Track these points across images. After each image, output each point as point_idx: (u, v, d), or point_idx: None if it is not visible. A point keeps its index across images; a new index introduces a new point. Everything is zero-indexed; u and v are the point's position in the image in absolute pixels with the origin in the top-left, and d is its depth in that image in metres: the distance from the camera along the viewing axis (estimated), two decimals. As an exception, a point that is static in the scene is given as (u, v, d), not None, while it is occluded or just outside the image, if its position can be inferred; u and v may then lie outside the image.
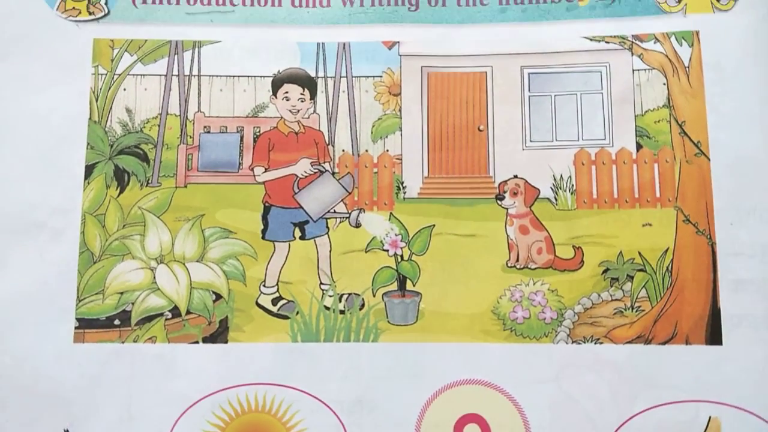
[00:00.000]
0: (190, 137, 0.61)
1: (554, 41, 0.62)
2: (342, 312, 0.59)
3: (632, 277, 0.59)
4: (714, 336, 0.57)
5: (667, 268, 0.59)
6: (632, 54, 0.62)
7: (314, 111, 0.62)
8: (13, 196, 0.59)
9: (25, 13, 0.62)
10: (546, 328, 0.58)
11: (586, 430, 0.57)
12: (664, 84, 0.61)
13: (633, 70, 0.61)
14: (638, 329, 0.58)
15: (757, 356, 0.57)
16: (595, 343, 0.58)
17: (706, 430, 0.56)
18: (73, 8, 0.62)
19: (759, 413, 0.56)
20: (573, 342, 0.58)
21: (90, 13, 0.62)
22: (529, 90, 0.62)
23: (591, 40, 0.62)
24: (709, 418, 0.56)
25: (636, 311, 0.58)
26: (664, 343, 0.58)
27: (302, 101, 0.62)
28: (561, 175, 0.61)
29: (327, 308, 0.59)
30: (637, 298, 0.58)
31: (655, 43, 0.62)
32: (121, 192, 0.60)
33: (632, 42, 0.62)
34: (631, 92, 0.61)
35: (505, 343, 0.58)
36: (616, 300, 0.59)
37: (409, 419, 0.57)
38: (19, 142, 0.60)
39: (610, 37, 0.62)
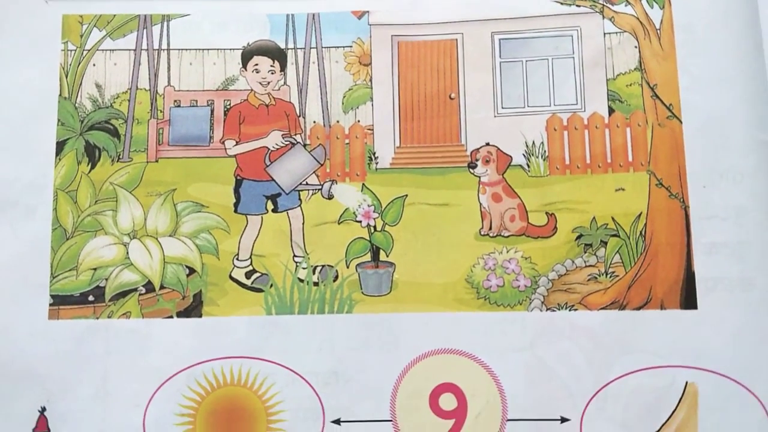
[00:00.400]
0: (161, 111, 0.61)
1: (525, 6, 0.62)
2: (316, 284, 0.59)
3: (606, 243, 0.58)
4: (689, 300, 0.57)
5: (641, 233, 0.58)
6: (603, 17, 0.61)
7: (284, 83, 0.62)
8: (-15, 173, 0.59)
9: (-8, -10, 0.62)
10: (520, 295, 0.58)
11: (563, 398, 0.56)
12: (636, 47, 0.61)
13: (604, 34, 0.61)
14: (612, 295, 0.58)
15: (732, 320, 0.56)
16: (570, 310, 0.58)
17: (683, 395, 0.56)
18: (41, -16, 0.62)
19: (735, 377, 0.56)
20: (547, 309, 0.58)
21: (58, -11, 0.62)
22: (500, 56, 0.61)
23: (562, 3, 0.61)
24: (686, 383, 0.56)
25: (610, 277, 0.58)
26: (638, 309, 0.57)
27: (272, 73, 0.62)
28: (533, 142, 0.60)
29: (301, 280, 0.59)
30: (611, 263, 0.58)
31: (626, 5, 0.61)
32: (92, 168, 0.60)
33: (603, 5, 0.61)
34: (602, 56, 0.61)
35: (479, 311, 0.58)
36: (590, 266, 0.58)
37: (384, 389, 0.57)
38: (-11, 119, 0.60)
39: (581, 0, 0.61)
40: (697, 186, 0.58)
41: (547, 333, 0.57)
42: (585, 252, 0.58)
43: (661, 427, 0.56)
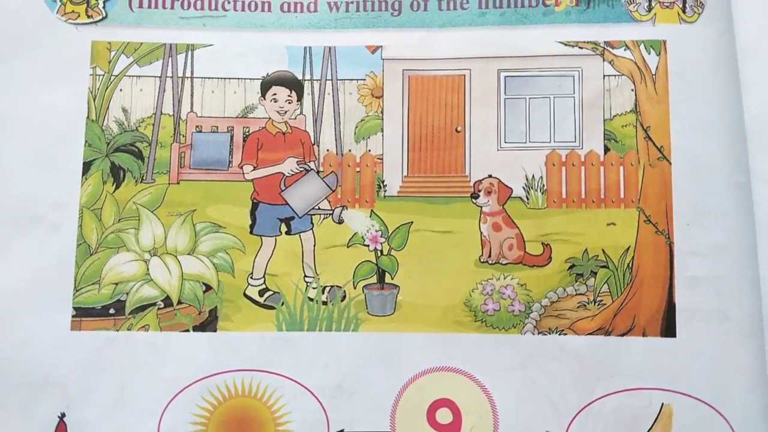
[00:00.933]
0: (183, 136, 0.63)
1: (530, 45, 0.64)
2: (324, 303, 0.61)
3: (596, 273, 0.62)
4: (669, 329, 0.60)
5: (628, 265, 0.61)
6: (603, 60, 0.64)
7: (301, 112, 0.64)
8: (14, 191, 0.61)
9: (26, 15, 0.63)
10: (514, 319, 0.61)
11: (549, 414, 0.60)
12: (632, 90, 0.63)
13: (604, 76, 0.63)
14: (599, 322, 0.61)
15: (707, 348, 0.60)
16: (559, 334, 0.61)
17: (658, 415, 0.59)
18: (73, 11, 0.63)
19: (708, 401, 0.59)
20: (539, 333, 0.61)
21: (89, 16, 0.64)
22: (505, 92, 0.64)
23: (565, 44, 0.64)
24: (662, 404, 0.59)
25: (598, 305, 0.61)
26: (622, 335, 0.61)
27: (289, 103, 0.64)
28: (533, 176, 0.63)
29: (310, 299, 0.62)
30: (599, 292, 0.61)
31: (625, 50, 0.64)
32: (116, 188, 0.62)
33: (604, 48, 0.64)
34: (601, 97, 0.63)
35: (476, 333, 0.61)
36: (580, 294, 0.62)
37: (385, 404, 0.60)
38: (20, 139, 0.62)
39: (584, 42, 0.64)
40: (682, 223, 0.61)
41: (537, 355, 0.60)
42: (576, 281, 0.61)
43: (637, 444, 0.59)
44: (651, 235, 0.62)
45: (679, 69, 0.63)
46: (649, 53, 0.63)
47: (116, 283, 0.61)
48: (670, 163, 0.62)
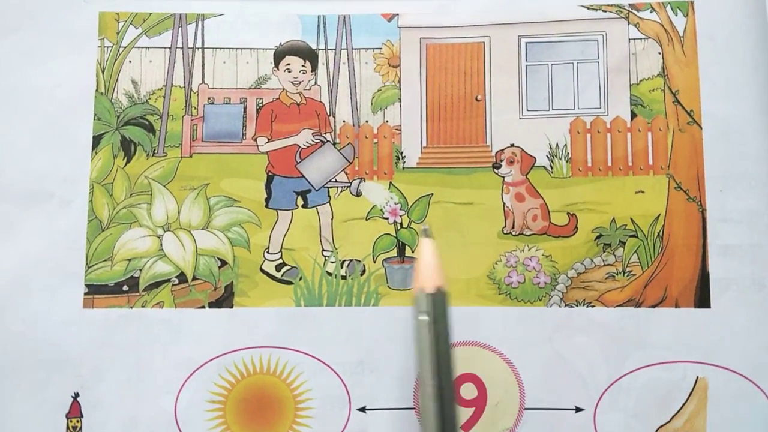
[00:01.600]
0: (195, 108, 0.62)
1: (552, 10, 0.62)
2: (344, 277, 0.60)
3: (624, 243, 0.59)
4: (703, 299, 0.58)
5: (659, 234, 0.59)
6: (628, 23, 0.61)
7: (315, 83, 0.62)
8: (23, 166, 0.60)
9: (31, -13, 0.62)
10: (540, 292, 0.59)
11: (578, 388, 0.58)
12: (659, 53, 0.61)
13: (629, 39, 0.61)
14: (629, 293, 0.59)
15: (743, 319, 0.58)
16: (588, 307, 0.59)
17: (693, 389, 0.57)
18: (79, -18, 0.62)
19: (744, 373, 0.57)
20: (566, 305, 0.59)
21: (95, -14, 0.62)
22: (526, 59, 0.62)
23: (588, 8, 0.62)
24: (697, 378, 0.57)
25: (627, 276, 0.59)
26: (654, 306, 0.59)
27: (304, 73, 0.62)
28: (557, 144, 0.61)
29: (329, 274, 0.60)
30: (628, 263, 0.59)
31: (651, 12, 0.61)
32: (127, 162, 0.61)
33: (629, 11, 0.62)
34: (626, 61, 0.61)
35: (500, 306, 0.59)
36: (608, 265, 0.59)
37: (408, 380, 0.58)
38: (28, 114, 0.60)
39: (607, 5, 0.62)
40: (714, 190, 0.59)
41: (564, 328, 0.59)
42: (604, 251, 0.59)
43: (671, 419, 0.57)
44: (682, 202, 0.59)
45: (709, 30, 0.61)
46: (676, 15, 0.61)
47: (129, 260, 0.59)
48: (701, 128, 0.60)
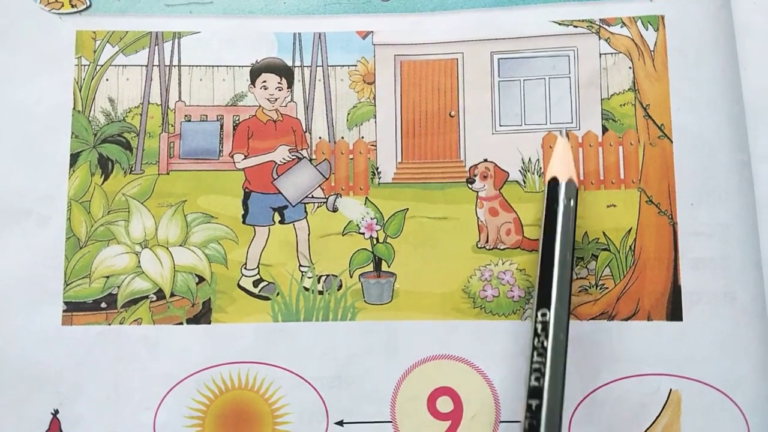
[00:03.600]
0: (172, 126, 0.60)
1: (523, 26, 0.61)
2: (321, 293, 0.58)
3: (597, 257, 0.58)
4: (675, 312, 0.57)
5: (630, 248, 0.58)
6: (599, 38, 0.60)
7: (291, 99, 0.61)
8: (1, 184, 0.58)
9: (8, 5, 0.60)
10: (514, 305, 0.58)
11: (553, 402, 0.57)
12: (630, 68, 0.60)
13: (600, 54, 0.60)
14: (602, 306, 0.58)
15: (715, 331, 0.57)
16: (562, 320, 0.58)
17: (666, 402, 0.56)
18: (56, 1, 0.61)
19: (717, 386, 0.56)
20: (540, 319, 0.58)
21: (72, 6, 0.61)
22: (498, 75, 0.61)
23: (559, 24, 0.61)
24: (670, 390, 0.56)
25: (600, 289, 0.58)
26: (626, 320, 0.57)
27: (280, 90, 0.61)
28: (529, 159, 0.60)
29: (306, 289, 0.59)
30: (601, 276, 0.58)
31: (621, 27, 0.61)
32: (105, 179, 0.59)
33: (599, 26, 0.61)
34: (597, 76, 0.60)
35: (475, 320, 0.58)
36: (581, 278, 0.58)
37: (385, 393, 0.57)
38: (5, 132, 0.59)
39: (578, 21, 0.61)
40: (685, 204, 0.58)
41: (539, 341, 0.57)
42: (577, 265, 0.58)
43: (644, 432, 0.56)
44: (653, 216, 0.58)
45: (679, 45, 0.60)
46: (647, 29, 0.60)
47: (107, 277, 0.58)
48: (672, 142, 0.59)
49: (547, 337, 0.51)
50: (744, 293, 0.57)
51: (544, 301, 0.52)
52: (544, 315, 0.52)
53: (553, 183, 0.56)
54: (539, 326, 0.52)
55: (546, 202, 0.56)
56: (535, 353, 0.52)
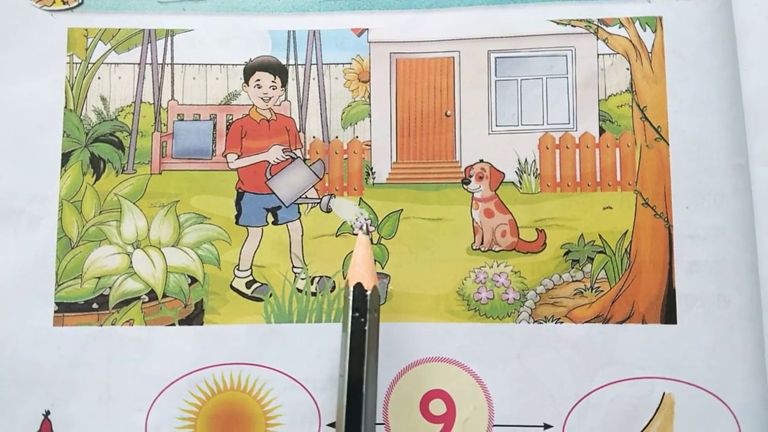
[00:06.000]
0: (164, 125, 0.59)
1: (521, 25, 0.60)
2: (314, 294, 0.58)
3: (592, 259, 0.58)
4: (669, 315, 0.57)
5: (626, 250, 0.57)
6: (597, 38, 0.60)
7: (285, 98, 0.60)
8: (-8, 184, 0.58)
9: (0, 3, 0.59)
10: (509, 308, 0.57)
11: (546, 405, 0.56)
12: (628, 69, 0.59)
13: (598, 55, 0.60)
14: (597, 309, 0.57)
15: (708, 335, 0.56)
16: (556, 323, 0.57)
17: (660, 405, 0.56)
18: (47, -3, 0.60)
19: (710, 389, 0.56)
20: (534, 321, 0.57)
21: (64, 3, 0.60)
22: (495, 74, 0.60)
23: (557, 23, 0.60)
24: (663, 393, 0.56)
25: (595, 292, 0.57)
26: (621, 323, 0.57)
27: (273, 89, 0.60)
28: (525, 159, 0.59)
29: (299, 290, 0.58)
30: (596, 279, 0.58)
31: (619, 27, 0.60)
32: (97, 179, 0.58)
33: (597, 26, 0.60)
34: (595, 77, 0.59)
35: (469, 322, 0.57)
36: (576, 281, 0.58)
37: (378, 395, 0.56)
38: (-4, 131, 0.58)
39: (577, 20, 0.60)
40: (681, 206, 0.57)
41: (533, 344, 0.57)
42: (572, 267, 0.58)
43: (638, 434, 0.56)
44: (649, 218, 0.57)
45: (676, 46, 0.59)
46: (645, 30, 0.59)
47: (99, 277, 0.57)
48: (668, 144, 0.58)
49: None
50: (738, 297, 0.56)
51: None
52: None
53: (358, 290, 0.50)
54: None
55: (351, 311, 0.50)
56: None
